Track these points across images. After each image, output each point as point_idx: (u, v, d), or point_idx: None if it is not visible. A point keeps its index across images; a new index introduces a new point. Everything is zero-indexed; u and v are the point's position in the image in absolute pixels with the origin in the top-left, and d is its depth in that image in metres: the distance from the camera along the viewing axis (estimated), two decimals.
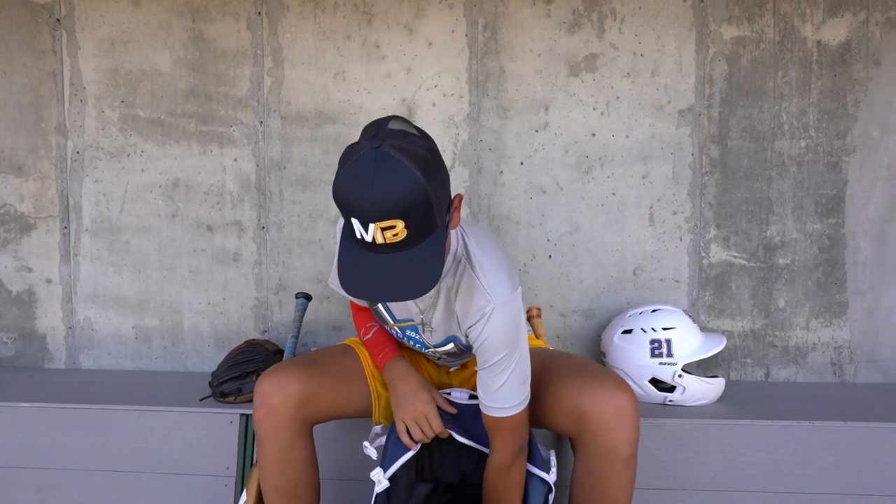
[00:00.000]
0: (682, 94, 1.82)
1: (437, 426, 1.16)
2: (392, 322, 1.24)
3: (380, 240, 0.90)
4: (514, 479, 1.13)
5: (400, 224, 0.89)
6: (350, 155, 0.92)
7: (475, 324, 1.08)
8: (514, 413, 1.09)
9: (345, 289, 0.94)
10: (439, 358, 1.29)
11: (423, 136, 0.96)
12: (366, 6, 1.86)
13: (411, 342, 1.26)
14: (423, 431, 1.17)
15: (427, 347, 1.24)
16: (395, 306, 1.21)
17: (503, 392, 1.08)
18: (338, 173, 0.93)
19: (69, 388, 1.74)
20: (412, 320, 1.20)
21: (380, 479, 1.14)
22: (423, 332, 1.20)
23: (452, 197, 1.02)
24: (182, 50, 1.91)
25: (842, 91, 1.80)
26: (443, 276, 1.11)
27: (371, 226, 0.89)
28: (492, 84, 1.84)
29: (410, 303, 1.17)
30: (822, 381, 1.84)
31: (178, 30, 1.90)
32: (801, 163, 1.81)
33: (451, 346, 1.20)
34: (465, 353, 1.25)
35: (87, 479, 1.56)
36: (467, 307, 1.10)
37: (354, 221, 0.91)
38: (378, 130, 0.92)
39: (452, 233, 1.11)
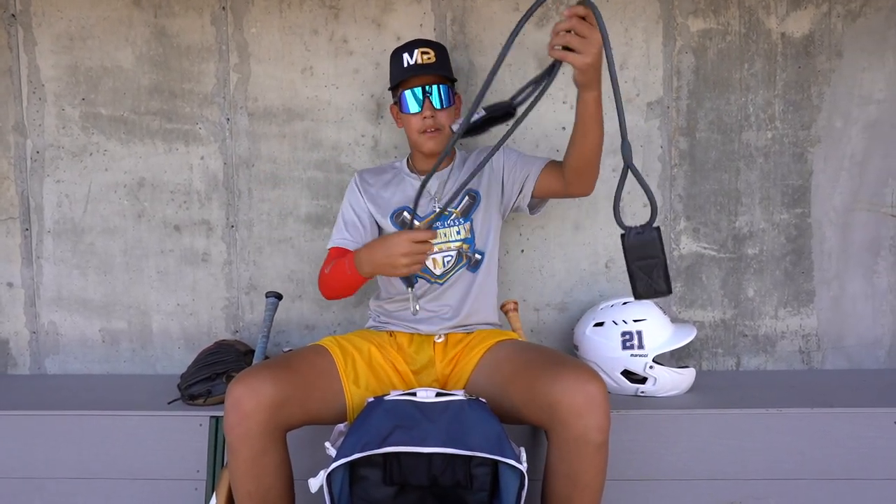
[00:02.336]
0: (650, 87, 1.83)
1: (420, 236, 1.23)
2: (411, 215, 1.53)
3: (419, 60, 1.46)
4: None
5: (432, 52, 1.47)
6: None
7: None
8: None
9: (397, 78, 1.49)
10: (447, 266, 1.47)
11: None
12: (332, 0, 1.84)
13: (435, 227, 1.50)
14: (418, 256, 1.23)
15: (451, 215, 1.50)
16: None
17: None
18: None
19: (34, 394, 1.70)
20: (433, 213, 1.49)
21: (314, 485, 1.11)
22: (439, 199, 1.51)
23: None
24: (144, 46, 1.86)
25: (806, 82, 1.82)
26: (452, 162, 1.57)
27: (415, 51, 1.46)
28: (461, 78, 1.83)
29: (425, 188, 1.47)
30: (791, 368, 1.87)
31: (140, 25, 1.86)
32: (768, 154, 1.84)
33: (466, 200, 1.51)
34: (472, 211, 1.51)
35: (51, 488, 1.53)
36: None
37: (405, 55, 1.46)
38: None
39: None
